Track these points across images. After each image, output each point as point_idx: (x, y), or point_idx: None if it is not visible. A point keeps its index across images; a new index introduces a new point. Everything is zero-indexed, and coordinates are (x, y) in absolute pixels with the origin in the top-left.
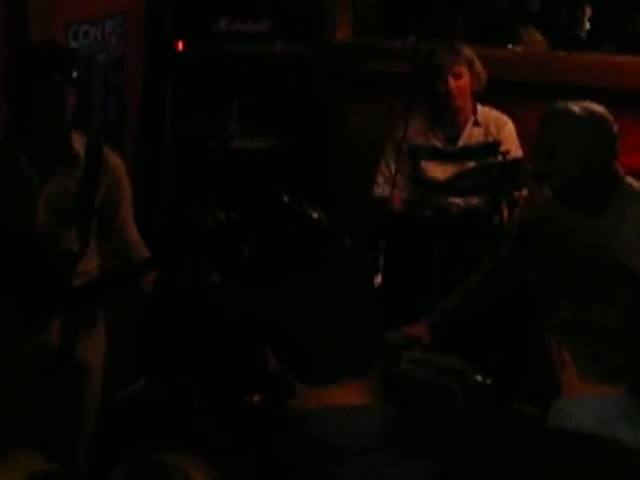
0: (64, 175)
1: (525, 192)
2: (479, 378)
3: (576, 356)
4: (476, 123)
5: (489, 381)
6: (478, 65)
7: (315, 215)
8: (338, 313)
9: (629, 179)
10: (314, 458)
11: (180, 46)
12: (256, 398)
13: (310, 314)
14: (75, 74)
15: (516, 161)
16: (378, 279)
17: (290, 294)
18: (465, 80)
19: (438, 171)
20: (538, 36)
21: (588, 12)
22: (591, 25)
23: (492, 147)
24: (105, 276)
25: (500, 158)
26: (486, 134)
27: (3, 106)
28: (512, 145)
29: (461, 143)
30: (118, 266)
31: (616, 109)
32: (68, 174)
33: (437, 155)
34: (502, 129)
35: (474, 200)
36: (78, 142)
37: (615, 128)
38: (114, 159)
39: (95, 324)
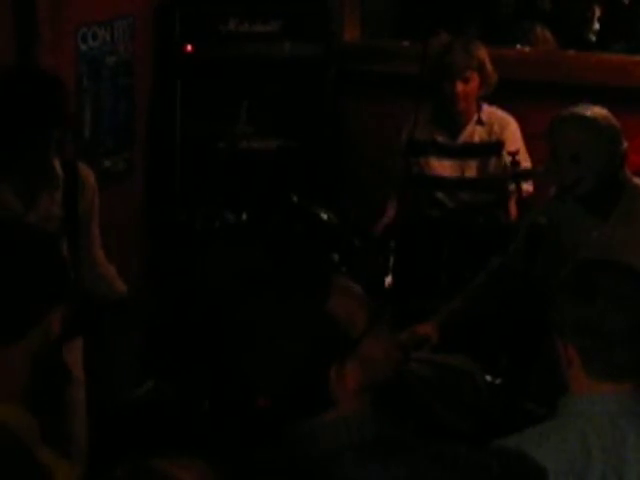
0: (46, 200)
1: (530, 187)
2: (489, 378)
3: (582, 354)
4: (480, 122)
5: (499, 381)
6: (489, 68)
7: (325, 216)
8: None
9: (636, 180)
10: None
11: (189, 47)
12: (265, 400)
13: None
14: (64, 114)
15: (527, 171)
16: (388, 279)
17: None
18: (473, 85)
19: (441, 168)
20: (548, 35)
21: (597, 12)
22: (600, 25)
23: (495, 146)
24: (89, 308)
25: (509, 159)
26: (489, 133)
27: None
28: (515, 145)
29: (462, 140)
30: (91, 288)
31: (626, 108)
32: (50, 198)
33: (439, 151)
34: (505, 128)
35: (480, 196)
36: (56, 163)
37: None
38: (88, 175)
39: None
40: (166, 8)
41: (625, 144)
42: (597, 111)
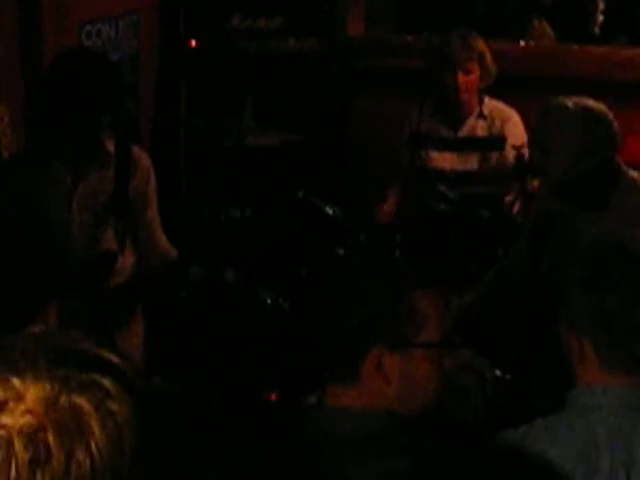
0: (97, 174)
1: (536, 183)
2: (498, 373)
3: (597, 347)
4: (481, 115)
5: (508, 376)
6: (489, 59)
7: (330, 211)
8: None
9: (633, 173)
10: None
11: (193, 44)
12: (273, 395)
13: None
14: (116, 97)
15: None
16: None
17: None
18: (474, 76)
19: (442, 161)
20: (548, 29)
21: (601, 5)
22: (604, 18)
23: (497, 140)
24: (142, 276)
25: (514, 153)
26: (491, 127)
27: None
28: (517, 138)
29: (463, 132)
30: (155, 266)
31: (629, 101)
32: (100, 173)
33: (441, 144)
34: (507, 122)
35: (483, 189)
36: (107, 140)
37: (614, 122)
38: (141, 157)
39: (134, 321)
40: (170, 4)
41: (611, 132)
42: (580, 101)
